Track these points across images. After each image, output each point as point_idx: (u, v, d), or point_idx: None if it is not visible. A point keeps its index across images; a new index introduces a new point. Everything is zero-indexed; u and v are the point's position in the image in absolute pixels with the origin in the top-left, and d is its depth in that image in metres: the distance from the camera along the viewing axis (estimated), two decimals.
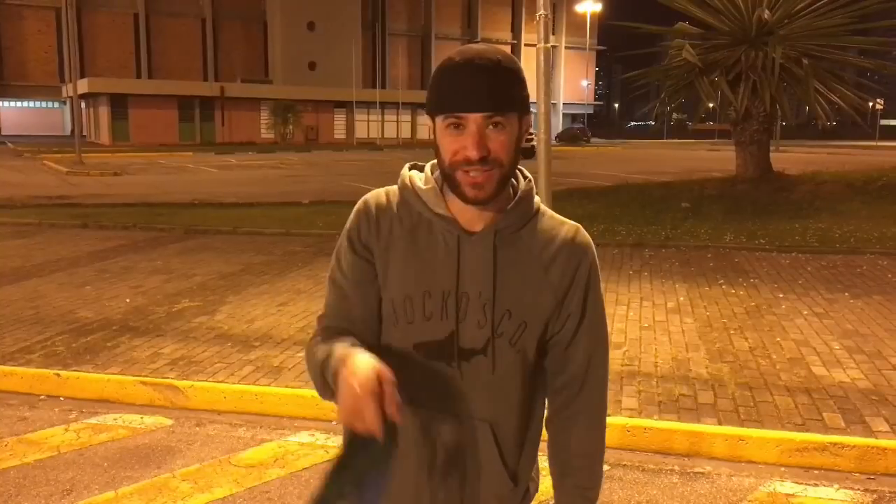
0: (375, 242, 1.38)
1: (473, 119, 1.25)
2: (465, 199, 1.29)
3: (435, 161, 1.35)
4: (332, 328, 1.39)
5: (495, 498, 1.41)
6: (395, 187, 1.41)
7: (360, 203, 1.42)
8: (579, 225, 1.43)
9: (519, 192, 1.37)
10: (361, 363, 1.18)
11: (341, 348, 1.27)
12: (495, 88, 1.25)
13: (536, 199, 1.42)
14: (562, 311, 1.37)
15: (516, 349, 1.35)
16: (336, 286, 1.41)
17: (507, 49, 71.92)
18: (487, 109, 1.25)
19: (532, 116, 1.36)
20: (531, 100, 1.47)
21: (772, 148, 17.73)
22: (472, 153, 1.25)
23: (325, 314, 1.43)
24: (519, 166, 1.41)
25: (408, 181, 1.38)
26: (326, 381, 1.29)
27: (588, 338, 1.40)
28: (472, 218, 1.34)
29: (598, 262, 1.43)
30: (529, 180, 1.41)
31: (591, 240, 1.42)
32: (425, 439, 1.37)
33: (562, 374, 1.42)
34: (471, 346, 1.33)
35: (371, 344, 1.34)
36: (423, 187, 1.36)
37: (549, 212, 1.43)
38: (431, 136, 1.32)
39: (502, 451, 1.38)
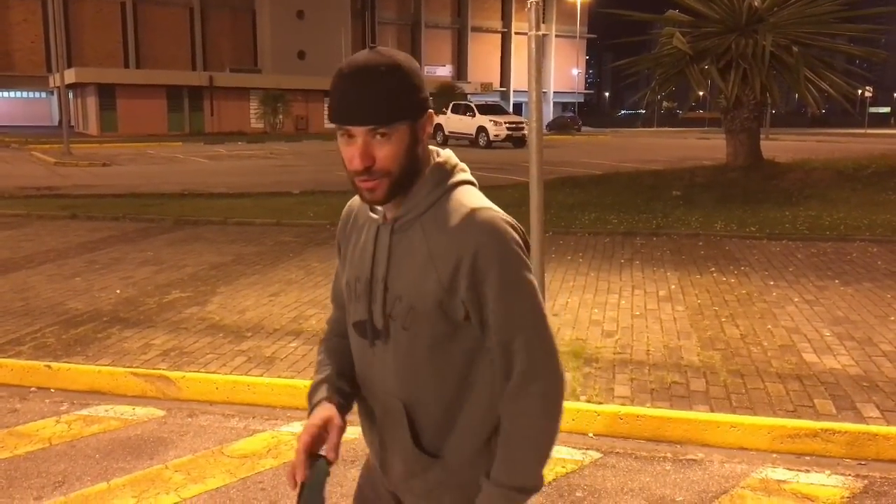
0: (342, 240, 1.59)
1: (359, 132, 1.33)
2: (364, 201, 1.42)
3: None
4: (333, 321, 1.68)
5: (408, 473, 1.48)
6: None
7: None
8: (480, 208, 1.37)
9: (418, 182, 1.41)
10: (314, 418, 1.42)
11: (319, 392, 1.49)
12: (381, 101, 1.30)
13: (456, 179, 1.43)
14: (454, 296, 1.36)
15: (410, 333, 1.40)
16: (336, 274, 1.67)
17: (498, 37, 72.01)
18: (371, 123, 1.31)
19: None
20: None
21: (762, 136, 17.76)
22: (357, 164, 1.33)
23: (331, 297, 1.70)
24: (444, 150, 1.47)
25: None
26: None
27: (501, 311, 1.35)
28: (391, 208, 1.45)
29: (507, 246, 1.35)
30: (434, 165, 1.42)
31: (493, 224, 1.36)
32: (365, 407, 1.54)
33: (498, 356, 1.39)
34: (380, 328, 1.44)
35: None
36: None
37: (465, 194, 1.41)
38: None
39: (416, 430, 1.44)
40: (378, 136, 1.32)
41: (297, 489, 1.40)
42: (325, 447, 1.42)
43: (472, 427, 1.44)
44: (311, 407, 1.48)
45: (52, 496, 3.38)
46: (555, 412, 1.40)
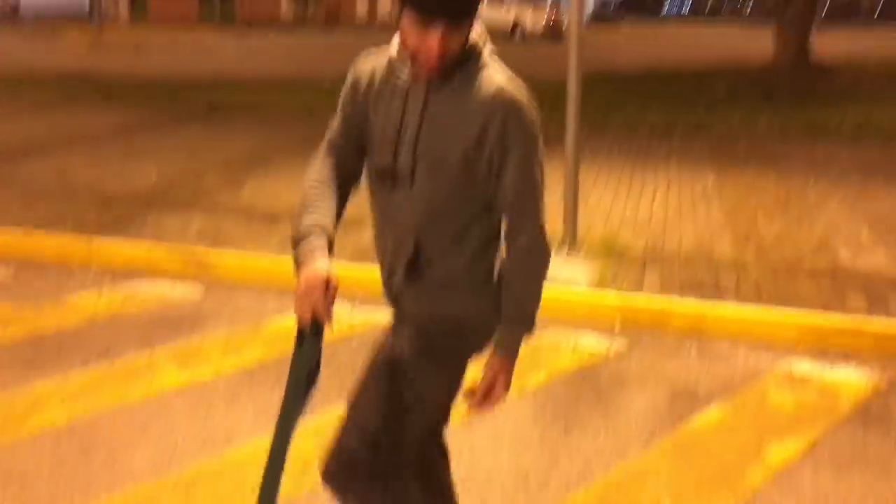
0: (361, 88, 1.75)
1: (440, 24, 1.52)
2: (418, 74, 1.63)
3: None
4: (331, 148, 1.85)
5: (398, 286, 1.77)
6: (386, 46, 1.74)
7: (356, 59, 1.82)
8: (505, 86, 1.63)
9: (463, 56, 1.63)
10: (319, 266, 1.58)
11: (312, 241, 1.63)
12: (466, 1, 1.54)
13: (485, 57, 1.67)
14: (480, 153, 1.63)
15: (434, 181, 1.66)
16: (340, 108, 1.84)
17: None
18: (456, 18, 1.54)
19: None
20: None
21: (813, 31, 16.91)
22: (434, 53, 1.55)
23: (332, 126, 1.87)
24: (476, 26, 1.66)
25: (392, 46, 1.71)
26: (295, 256, 1.66)
27: (513, 178, 1.65)
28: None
29: (526, 117, 1.63)
30: (475, 44, 1.65)
31: (515, 98, 1.62)
32: (381, 240, 1.81)
33: (503, 208, 1.70)
34: (404, 172, 1.68)
35: (349, 151, 1.81)
36: (395, 52, 1.69)
37: (493, 69, 1.66)
38: (396, 13, 1.61)
39: (419, 254, 1.71)
40: (454, 30, 1.55)
41: (296, 341, 1.62)
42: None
43: (465, 262, 1.73)
44: (311, 249, 1.61)
45: (98, 362, 3.55)
46: (546, 258, 1.74)
